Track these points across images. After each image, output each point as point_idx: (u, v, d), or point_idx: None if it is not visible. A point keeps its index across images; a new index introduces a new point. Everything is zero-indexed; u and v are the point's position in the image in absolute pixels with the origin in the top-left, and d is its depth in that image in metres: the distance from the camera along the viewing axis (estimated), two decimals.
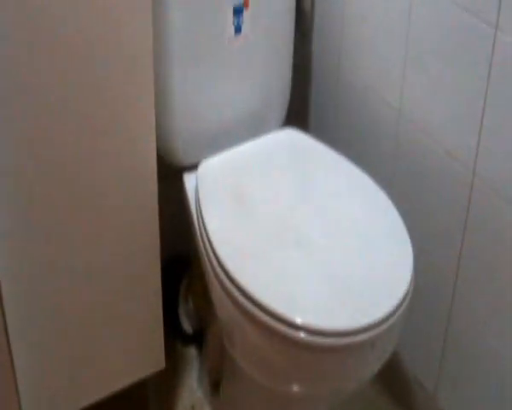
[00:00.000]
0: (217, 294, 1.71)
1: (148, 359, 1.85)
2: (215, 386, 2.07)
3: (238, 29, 1.89)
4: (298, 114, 2.31)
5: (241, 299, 1.60)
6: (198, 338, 2.23)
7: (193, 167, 1.94)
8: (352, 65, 2.07)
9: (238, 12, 1.87)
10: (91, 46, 1.51)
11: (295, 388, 1.69)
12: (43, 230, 1.60)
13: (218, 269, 1.67)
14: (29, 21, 1.40)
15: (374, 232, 1.74)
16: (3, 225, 1.53)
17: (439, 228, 1.87)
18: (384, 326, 1.55)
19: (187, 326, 2.25)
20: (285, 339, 1.56)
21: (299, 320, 1.53)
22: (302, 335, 1.53)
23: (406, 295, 1.61)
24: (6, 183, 1.50)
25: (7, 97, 1.44)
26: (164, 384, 2.12)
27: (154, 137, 1.68)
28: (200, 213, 1.78)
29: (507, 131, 1.61)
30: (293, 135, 2.05)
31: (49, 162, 1.56)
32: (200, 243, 1.77)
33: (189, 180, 1.94)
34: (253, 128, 2.03)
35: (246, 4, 1.87)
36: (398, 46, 1.87)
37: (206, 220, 1.75)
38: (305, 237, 1.73)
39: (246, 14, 1.88)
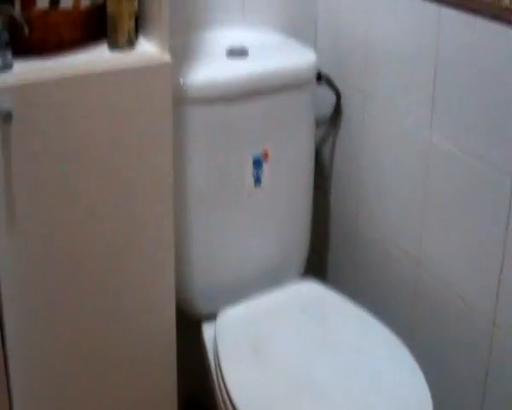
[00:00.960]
0: None
1: None
2: None
3: (258, 181, 1.92)
4: (316, 265, 2.32)
5: None
6: None
7: (211, 317, 1.93)
8: (370, 215, 2.09)
9: (258, 164, 1.90)
10: (115, 208, 1.57)
11: None
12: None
13: None
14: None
15: (393, 386, 1.71)
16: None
17: (458, 380, 1.84)
18: None
19: None
20: None
21: None
22: None
23: None
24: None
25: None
26: None
27: (173, 289, 1.71)
28: (219, 364, 1.76)
29: None
30: (311, 286, 2.04)
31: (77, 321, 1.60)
32: (218, 394, 1.74)
33: (208, 330, 1.93)
34: (271, 279, 2.03)
35: (265, 157, 1.90)
36: (416, 197, 1.89)
37: (225, 372, 1.73)
38: (323, 391, 1.69)
39: (265, 166, 1.91)
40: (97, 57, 1.52)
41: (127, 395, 1.71)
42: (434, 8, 1.72)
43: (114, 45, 1.55)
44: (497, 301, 1.69)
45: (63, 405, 1.65)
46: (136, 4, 1.58)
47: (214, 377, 1.78)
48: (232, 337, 1.85)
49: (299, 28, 2.12)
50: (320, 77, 2.02)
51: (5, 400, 1.56)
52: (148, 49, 1.58)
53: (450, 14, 1.68)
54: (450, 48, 1.70)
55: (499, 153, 1.62)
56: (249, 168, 1.90)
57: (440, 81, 1.75)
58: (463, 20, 1.64)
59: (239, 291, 1.98)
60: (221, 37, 1.99)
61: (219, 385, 1.73)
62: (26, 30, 1.44)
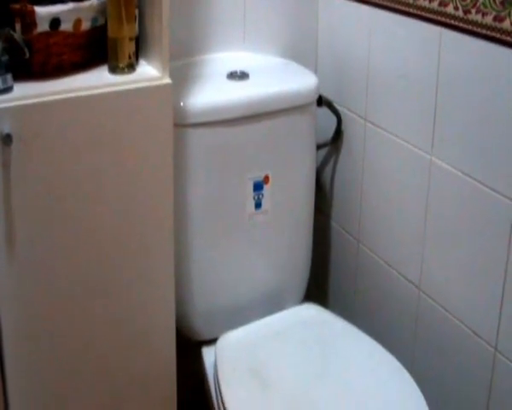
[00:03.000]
0: None
1: None
2: None
3: (258, 205, 1.91)
4: (317, 289, 2.31)
5: None
6: None
7: (212, 341, 1.92)
8: (371, 241, 2.08)
9: (258, 188, 1.90)
10: (115, 229, 1.58)
11: None
12: None
13: None
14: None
15: None
16: None
17: (460, 405, 1.83)
18: None
19: None
20: None
21: None
22: None
23: None
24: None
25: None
26: None
27: (173, 314, 1.70)
28: (219, 388, 1.75)
29: None
30: (312, 310, 2.04)
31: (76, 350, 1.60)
32: None
33: (208, 354, 1.92)
34: (272, 304, 2.03)
35: (266, 180, 1.90)
36: (416, 222, 1.88)
37: (225, 396, 1.72)
38: None
39: (266, 189, 1.91)
40: (98, 79, 1.52)
41: None
42: (435, 29, 1.72)
43: (115, 68, 1.55)
44: (500, 325, 1.68)
45: None
46: (136, 27, 1.58)
47: (214, 402, 1.78)
48: (232, 361, 1.83)
49: (300, 52, 2.13)
50: (321, 100, 2.03)
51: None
52: (148, 71, 1.58)
53: (451, 36, 1.68)
54: (451, 70, 1.70)
55: (501, 175, 1.61)
56: (250, 192, 1.89)
57: (441, 103, 1.75)
58: (464, 41, 1.64)
59: (239, 316, 1.97)
60: (222, 60, 2.00)
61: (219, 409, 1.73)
62: (27, 52, 1.45)
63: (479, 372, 1.75)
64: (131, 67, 1.56)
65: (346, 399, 1.72)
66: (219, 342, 1.90)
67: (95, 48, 1.57)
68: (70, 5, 1.47)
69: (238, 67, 1.93)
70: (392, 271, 2.01)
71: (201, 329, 1.95)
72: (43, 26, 1.44)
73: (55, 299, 1.54)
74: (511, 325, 1.65)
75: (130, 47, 1.55)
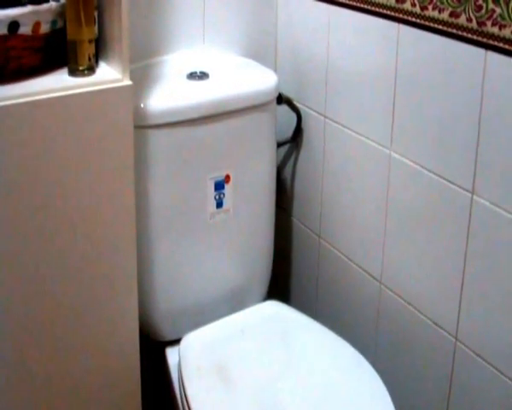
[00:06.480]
0: None
1: None
2: None
3: (219, 204, 1.91)
4: (279, 286, 2.32)
5: None
6: None
7: (176, 342, 1.92)
8: (332, 236, 2.10)
9: (219, 187, 1.90)
10: (76, 231, 1.56)
11: None
12: None
13: None
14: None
15: (358, 405, 1.71)
16: None
17: (422, 394, 1.85)
18: None
19: None
20: None
21: None
22: None
23: None
24: None
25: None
26: None
27: (136, 315, 1.70)
28: (183, 388, 1.75)
29: (487, 295, 1.62)
30: (275, 307, 2.04)
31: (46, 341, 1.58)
32: None
33: (172, 355, 1.92)
34: (235, 302, 2.03)
35: (227, 179, 1.90)
36: (377, 216, 1.90)
37: (190, 397, 1.71)
38: None
39: (227, 188, 1.91)
40: (57, 82, 1.50)
41: None
42: (393, 26, 1.74)
43: (74, 71, 1.53)
44: (459, 315, 1.70)
45: None
46: (96, 29, 1.57)
47: (179, 403, 1.78)
48: (196, 361, 1.83)
49: (260, 51, 2.14)
50: (281, 98, 2.03)
51: None
52: (108, 73, 1.57)
53: (409, 32, 1.70)
54: (408, 65, 1.72)
55: (458, 168, 1.64)
56: (211, 191, 1.89)
57: (400, 99, 1.77)
58: (422, 37, 1.66)
59: (202, 315, 1.97)
60: (182, 61, 2.00)
61: None
62: None
63: (440, 362, 1.78)
64: (91, 70, 1.55)
65: (309, 395, 1.73)
66: (183, 342, 1.90)
67: (54, 51, 1.56)
68: (29, 8, 1.46)
69: (198, 67, 1.93)
70: (354, 265, 2.02)
71: (165, 330, 1.94)
72: (1, 30, 1.42)
73: (19, 299, 1.53)
74: (471, 314, 1.68)
75: (89, 49, 1.53)
